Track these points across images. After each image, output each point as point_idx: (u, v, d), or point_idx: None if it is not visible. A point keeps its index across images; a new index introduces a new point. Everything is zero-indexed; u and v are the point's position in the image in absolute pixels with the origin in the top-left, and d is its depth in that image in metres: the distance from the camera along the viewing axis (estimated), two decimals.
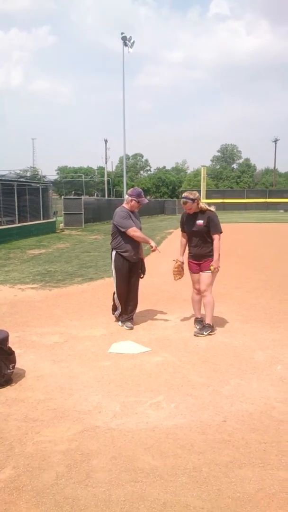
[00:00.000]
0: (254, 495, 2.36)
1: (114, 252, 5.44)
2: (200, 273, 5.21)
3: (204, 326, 5.18)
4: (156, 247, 5.39)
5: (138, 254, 5.46)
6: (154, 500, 2.33)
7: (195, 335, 5.11)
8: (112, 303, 5.73)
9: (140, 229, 5.51)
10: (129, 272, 5.46)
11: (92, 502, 2.31)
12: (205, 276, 5.17)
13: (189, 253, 5.36)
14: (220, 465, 2.63)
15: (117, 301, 5.55)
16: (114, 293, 5.61)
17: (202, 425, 3.10)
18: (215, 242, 5.11)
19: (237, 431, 3.01)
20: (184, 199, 5.12)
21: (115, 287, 5.53)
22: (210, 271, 5.11)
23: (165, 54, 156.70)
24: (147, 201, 5.76)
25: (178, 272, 5.48)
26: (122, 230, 5.30)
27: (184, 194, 5.20)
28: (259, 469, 2.58)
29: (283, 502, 2.30)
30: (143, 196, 5.51)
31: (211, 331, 5.15)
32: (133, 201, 5.40)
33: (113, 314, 5.71)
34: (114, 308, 5.68)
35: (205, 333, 5.10)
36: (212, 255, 5.12)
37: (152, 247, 5.34)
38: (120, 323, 5.54)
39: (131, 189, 5.59)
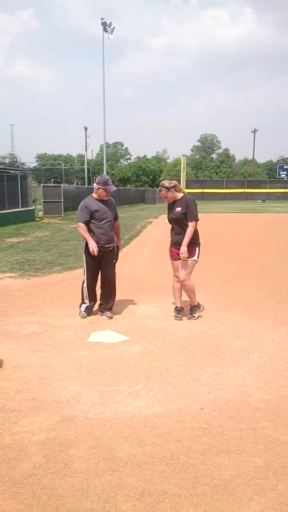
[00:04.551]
0: (230, 481, 2.40)
1: (85, 242, 5.36)
2: (181, 261, 5.23)
3: (192, 309, 5.38)
4: (95, 247, 5.13)
5: (110, 242, 5.38)
6: (131, 488, 2.34)
7: (188, 318, 5.31)
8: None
9: (115, 217, 5.48)
10: (101, 260, 5.39)
11: (69, 492, 2.31)
12: (184, 264, 5.21)
13: (171, 240, 5.40)
14: (197, 452, 2.66)
15: (85, 293, 5.45)
16: (83, 283, 5.51)
17: (180, 413, 3.13)
18: (188, 229, 5.12)
19: (214, 419, 3.05)
20: (160, 187, 5.29)
21: (85, 275, 5.45)
22: (191, 259, 5.17)
23: (148, 40, 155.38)
24: (115, 188, 5.68)
25: None
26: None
27: (161, 182, 5.35)
28: (235, 456, 2.62)
29: (259, 488, 2.34)
30: (110, 183, 5.40)
31: (199, 310, 5.44)
32: (100, 189, 5.29)
33: (80, 308, 5.56)
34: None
35: (195, 315, 5.34)
36: (193, 244, 5.17)
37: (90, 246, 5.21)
38: (80, 315, 5.44)
39: (98, 177, 5.47)
